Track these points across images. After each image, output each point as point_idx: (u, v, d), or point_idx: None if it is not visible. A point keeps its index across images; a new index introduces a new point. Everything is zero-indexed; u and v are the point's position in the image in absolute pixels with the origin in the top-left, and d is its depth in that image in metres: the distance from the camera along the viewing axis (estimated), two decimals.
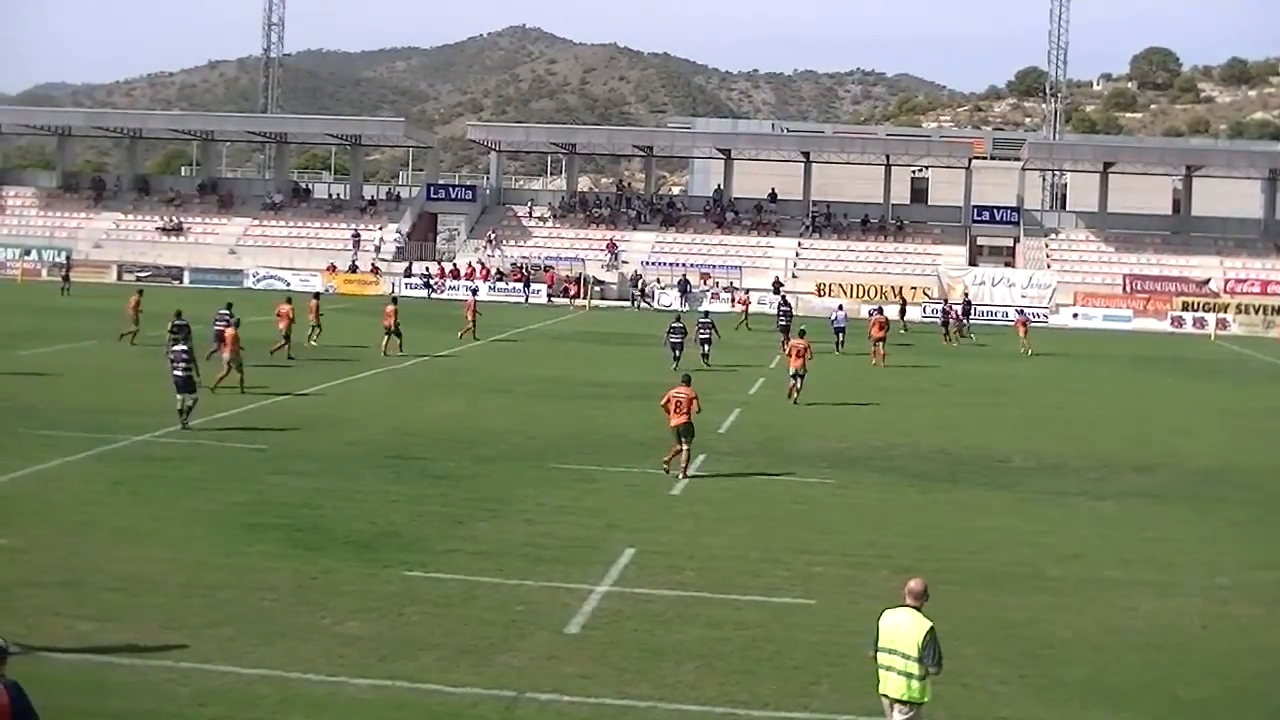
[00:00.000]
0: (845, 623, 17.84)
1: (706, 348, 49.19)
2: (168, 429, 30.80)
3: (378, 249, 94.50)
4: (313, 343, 49.54)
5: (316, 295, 52.52)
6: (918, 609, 12.90)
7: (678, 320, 49.66)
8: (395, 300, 52.26)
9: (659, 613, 17.97)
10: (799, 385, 39.36)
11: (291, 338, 46.65)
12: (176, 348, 32.53)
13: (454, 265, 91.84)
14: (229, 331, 38.72)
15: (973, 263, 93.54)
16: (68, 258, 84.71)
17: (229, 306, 46.41)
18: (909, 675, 12.62)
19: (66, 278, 77.86)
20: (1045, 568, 21.25)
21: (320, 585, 18.60)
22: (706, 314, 54.40)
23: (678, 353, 47.70)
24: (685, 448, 27.65)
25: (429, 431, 32.28)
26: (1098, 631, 18.02)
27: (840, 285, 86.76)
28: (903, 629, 12.78)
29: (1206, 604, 19.72)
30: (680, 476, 27.46)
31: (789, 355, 39.58)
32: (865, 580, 20.04)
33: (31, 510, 22.39)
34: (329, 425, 32.60)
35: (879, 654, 12.87)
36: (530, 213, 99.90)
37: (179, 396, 31.43)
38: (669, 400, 27.90)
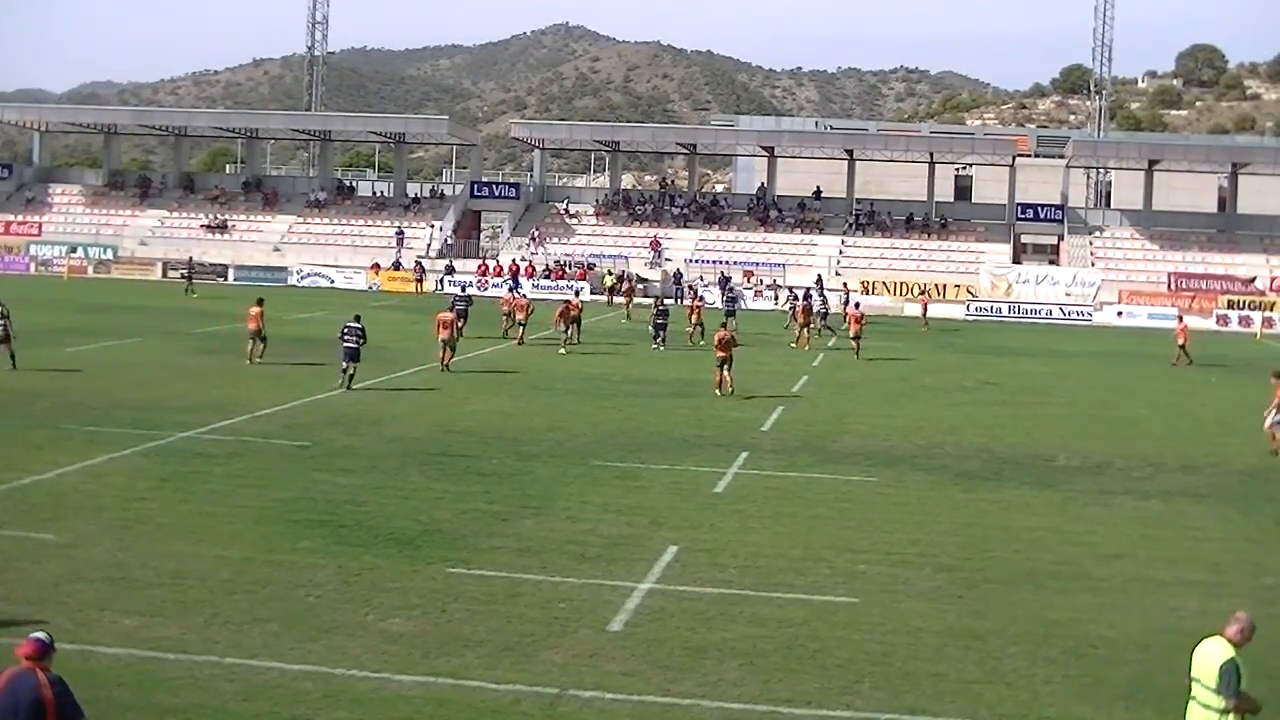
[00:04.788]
0: (888, 621, 17.81)
1: (662, 335, 54.90)
2: (212, 425, 30.98)
3: (429, 246, 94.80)
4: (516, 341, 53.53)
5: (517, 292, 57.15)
6: (1223, 636, 12.14)
7: (661, 304, 57.17)
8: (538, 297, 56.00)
9: (702, 610, 17.96)
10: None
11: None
12: (351, 324, 38.46)
13: (497, 262, 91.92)
14: (446, 316, 43.94)
15: (1017, 261, 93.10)
16: (190, 259, 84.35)
17: (463, 289, 59.19)
18: (1207, 706, 12.00)
19: (190, 278, 77.98)
20: (1090, 567, 21.13)
21: (364, 582, 18.66)
22: (663, 301, 59.79)
23: (661, 334, 54.51)
24: (728, 375, 39.93)
25: (472, 429, 32.35)
26: (1143, 631, 17.92)
27: (883, 282, 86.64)
28: (1205, 657, 12.13)
29: (1253, 604, 19.51)
30: (728, 393, 39.34)
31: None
32: (909, 579, 19.98)
33: (79, 506, 22.54)
34: (372, 422, 32.70)
35: (1191, 684, 12.27)
36: (566, 210, 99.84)
37: (345, 364, 37.94)
38: (719, 340, 40.42)
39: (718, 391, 39.91)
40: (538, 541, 21.25)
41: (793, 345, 56.93)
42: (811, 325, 59.52)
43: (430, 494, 24.54)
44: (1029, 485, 27.90)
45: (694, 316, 57.79)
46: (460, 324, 46.78)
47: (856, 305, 61.56)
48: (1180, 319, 64.69)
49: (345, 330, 38.60)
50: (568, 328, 52.44)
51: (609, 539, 21.61)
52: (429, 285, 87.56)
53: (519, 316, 54.28)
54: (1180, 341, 56.77)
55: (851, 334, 54.93)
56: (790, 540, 22.06)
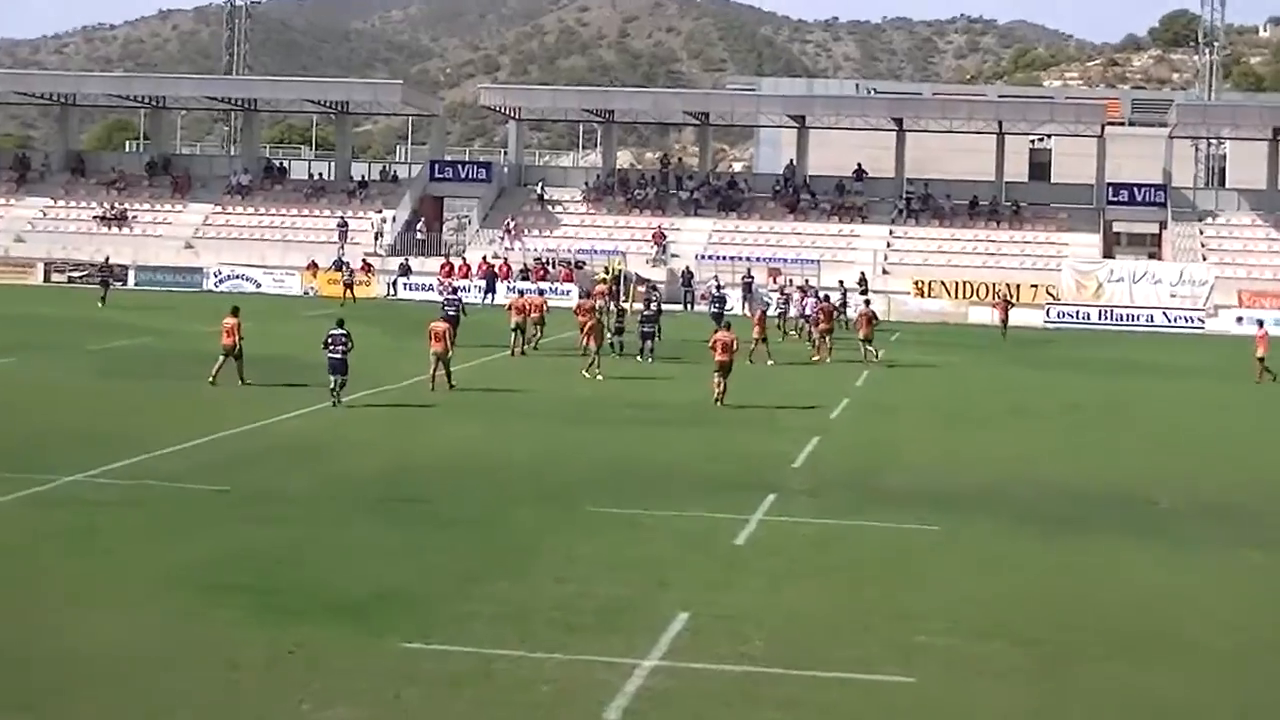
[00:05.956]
0: (953, 706, 17.73)
1: (649, 343, 55.86)
2: (110, 465, 30.89)
3: (378, 237, 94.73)
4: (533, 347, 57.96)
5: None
6: None
7: (647, 308, 58.89)
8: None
9: (720, 692, 17.89)
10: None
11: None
12: (336, 331, 41.27)
13: (463, 260, 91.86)
14: (438, 326, 45.76)
15: (1108, 254, 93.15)
16: (107, 260, 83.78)
17: (455, 291, 64.44)
18: None
19: (107, 283, 77.30)
20: (1204, 636, 21.04)
21: (299, 661, 18.58)
22: (648, 305, 61.13)
23: (649, 343, 55.74)
24: (724, 382, 43.11)
25: (435, 465, 32.34)
26: (1271, 718, 17.84)
27: (942, 282, 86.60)
28: None
29: None
30: (720, 404, 42.80)
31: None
32: (977, 653, 19.91)
33: None
34: (310, 457, 32.69)
35: None
36: (540, 196, 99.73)
37: (331, 377, 40.67)
38: (715, 342, 43.64)
39: (717, 402, 43.21)
40: (516, 607, 21.16)
41: (816, 358, 57.85)
42: (815, 330, 60.34)
43: (382, 548, 24.47)
44: (1126, 533, 27.81)
45: (756, 330, 57.27)
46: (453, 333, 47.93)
47: (867, 302, 64.45)
48: (1260, 324, 64.27)
49: (329, 339, 41.25)
50: (598, 346, 51.14)
51: (604, 603, 21.53)
52: (378, 290, 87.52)
53: (515, 319, 56.62)
54: (1260, 353, 56.35)
55: (861, 336, 58.04)
56: (830, 604, 21.98)
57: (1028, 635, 20.80)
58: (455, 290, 65.97)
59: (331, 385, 40.79)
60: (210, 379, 43.66)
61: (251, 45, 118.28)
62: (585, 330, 51.76)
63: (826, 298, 66.10)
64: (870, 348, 57.44)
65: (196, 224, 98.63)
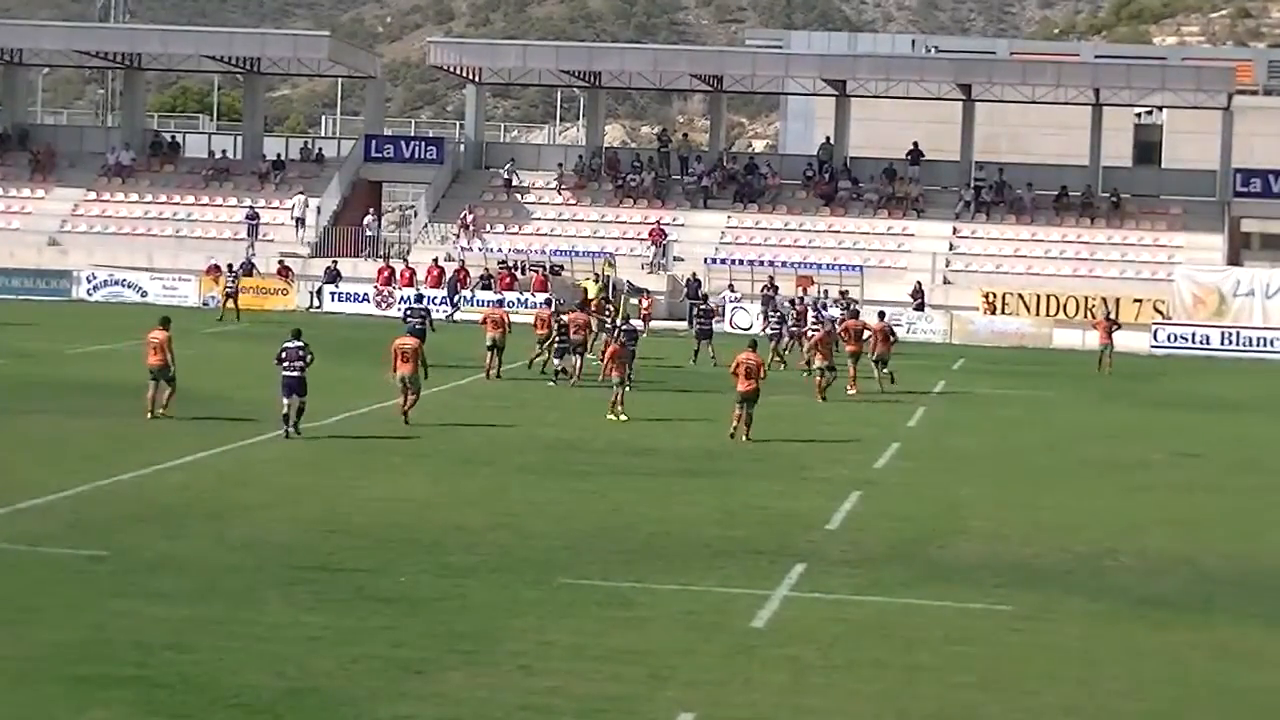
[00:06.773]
0: None
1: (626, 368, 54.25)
2: None
3: (299, 224, 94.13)
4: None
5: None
6: None
7: (626, 322, 60.98)
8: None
9: None
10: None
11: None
12: (291, 344, 43.43)
13: (405, 263, 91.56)
14: (406, 344, 47.20)
15: (1235, 261, 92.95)
16: None
17: (419, 299, 68.94)
18: None
19: None
20: None
21: None
22: (627, 319, 62.65)
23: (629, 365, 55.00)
24: (748, 413, 45.21)
25: (369, 527, 32.32)
26: None
27: (1020, 295, 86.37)
28: None
29: None
30: (743, 439, 44.94)
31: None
32: None
33: None
34: (211, 514, 32.68)
35: None
36: (507, 182, 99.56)
37: (286, 400, 42.61)
38: (738, 365, 45.52)
39: (733, 436, 45.57)
40: (472, 707, 21.11)
41: (852, 391, 57.93)
42: (787, 349, 61.38)
43: (301, 632, 24.40)
44: (1258, 619, 27.78)
45: (814, 349, 57.62)
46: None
47: (881, 315, 64.83)
48: None
49: (283, 353, 43.37)
50: (622, 375, 50.95)
51: (585, 702, 21.47)
52: (299, 299, 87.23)
53: (491, 334, 58.20)
54: None
55: (874, 355, 59.60)
56: (874, 705, 21.95)
57: None
58: (421, 298, 68.25)
59: (285, 410, 42.57)
60: (149, 413, 44.82)
61: None
62: (608, 357, 51.56)
63: (855, 312, 66.52)
64: (886, 371, 59.20)
65: (63, 214, 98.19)
